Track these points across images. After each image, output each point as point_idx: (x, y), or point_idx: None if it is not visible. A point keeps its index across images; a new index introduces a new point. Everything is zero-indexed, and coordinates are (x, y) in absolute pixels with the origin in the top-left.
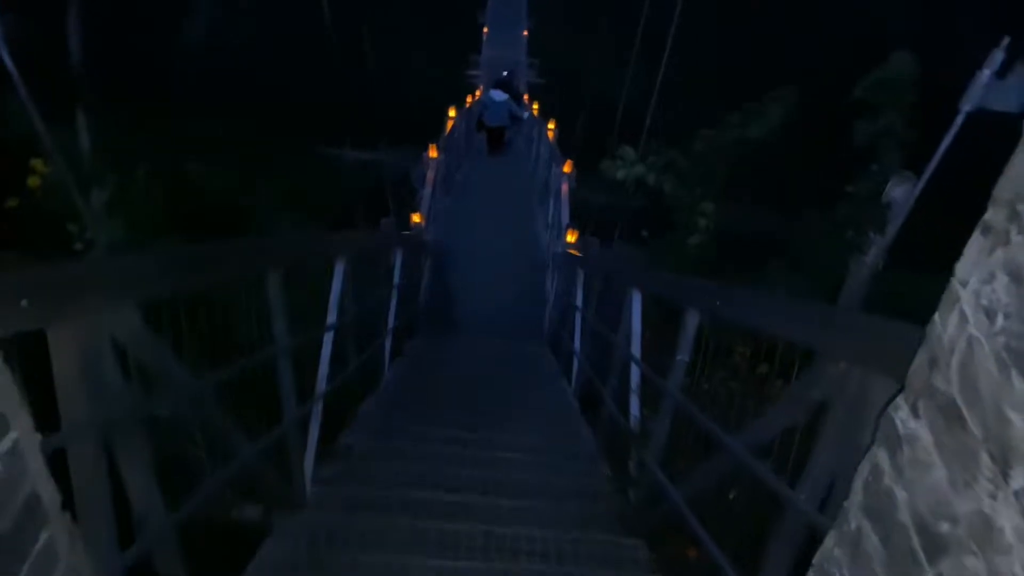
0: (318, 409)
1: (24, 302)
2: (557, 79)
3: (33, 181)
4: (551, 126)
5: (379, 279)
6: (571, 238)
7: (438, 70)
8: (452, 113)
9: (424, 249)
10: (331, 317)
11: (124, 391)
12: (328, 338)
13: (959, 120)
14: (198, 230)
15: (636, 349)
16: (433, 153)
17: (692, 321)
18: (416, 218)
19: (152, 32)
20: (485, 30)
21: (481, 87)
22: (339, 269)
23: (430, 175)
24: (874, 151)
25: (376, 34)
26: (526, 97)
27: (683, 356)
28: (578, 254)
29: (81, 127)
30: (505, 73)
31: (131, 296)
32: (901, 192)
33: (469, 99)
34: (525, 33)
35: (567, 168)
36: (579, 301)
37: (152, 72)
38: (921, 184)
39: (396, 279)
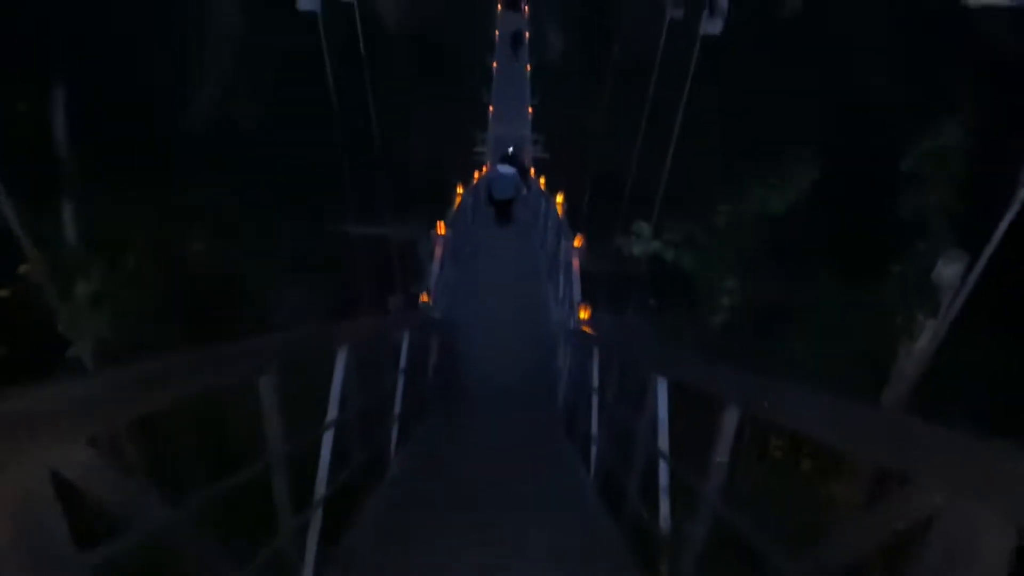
0: (317, 516)
1: None
2: (563, 153)
3: (26, 269)
4: (559, 200)
5: (384, 363)
6: (584, 314)
7: (446, 147)
8: (460, 190)
9: (432, 327)
10: (332, 413)
11: (73, 550)
12: (328, 436)
13: (1022, 194)
14: (195, 314)
15: (664, 443)
16: (441, 230)
17: (731, 418)
18: (424, 298)
19: (153, 101)
20: (491, 108)
21: (488, 163)
22: (340, 360)
23: (438, 251)
24: (921, 227)
25: (384, 112)
26: (532, 171)
27: (722, 457)
28: (591, 332)
29: (67, 217)
30: (511, 149)
31: (81, 430)
32: (952, 272)
33: (476, 175)
34: (530, 110)
35: (577, 243)
36: (595, 381)
37: (154, 140)
38: (981, 263)
39: (402, 363)
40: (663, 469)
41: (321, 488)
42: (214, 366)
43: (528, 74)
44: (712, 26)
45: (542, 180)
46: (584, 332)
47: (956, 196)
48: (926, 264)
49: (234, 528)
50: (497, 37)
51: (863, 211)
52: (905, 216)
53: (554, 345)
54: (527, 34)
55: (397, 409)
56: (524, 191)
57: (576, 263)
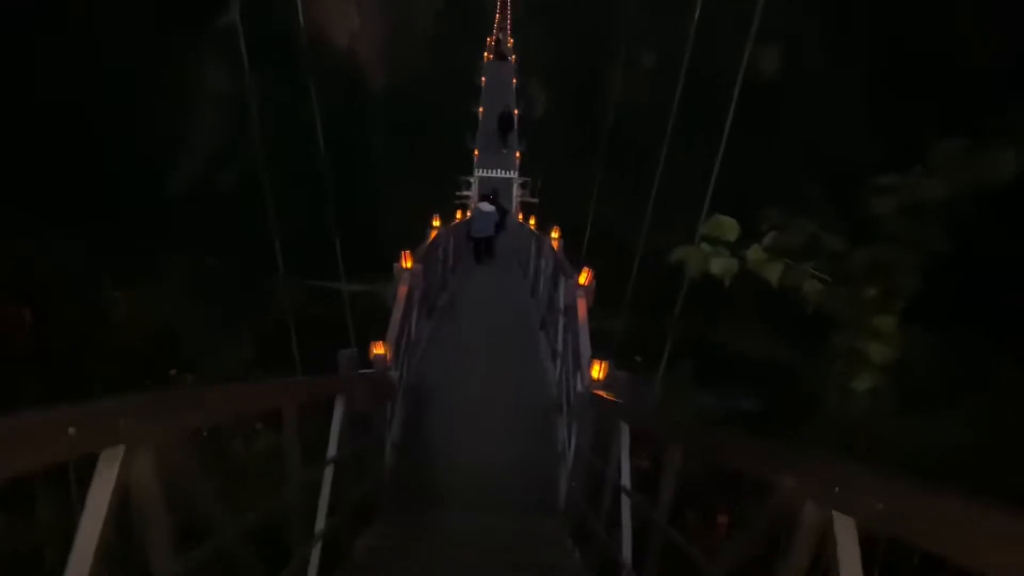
0: None
1: None
2: (553, 198)
3: None
4: (555, 235)
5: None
6: (597, 373)
7: (426, 195)
8: (436, 223)
9: (391, 391)
10: None
11: None
12: None
13: None
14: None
15: None
16: (407, 262)
17: None
18: (379, 348)
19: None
20: (476, 152)
21: (472, 207)
22: (97, 490)
23: (402, 291)
24: None
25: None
26: (520, 216)
27: None
28: (611, 397)
29: None
30: (493, 192)
31: None
32: None
33: (459, 215)
34: (517, 155)
35: (584, 279)
36: (625, 476)
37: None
38: None
39: (333, 449)
40: None
41: None
42: None
43: (515, 118)
44: None
45: (532, 221)
46: (600, 399)
47: None
48: None
49: None
50: (484, 83)
51: None
52: None
53: (554, 414)
54: (515, 114)
55: (320, 523)
56: (504, 224)
57: (583, 306)
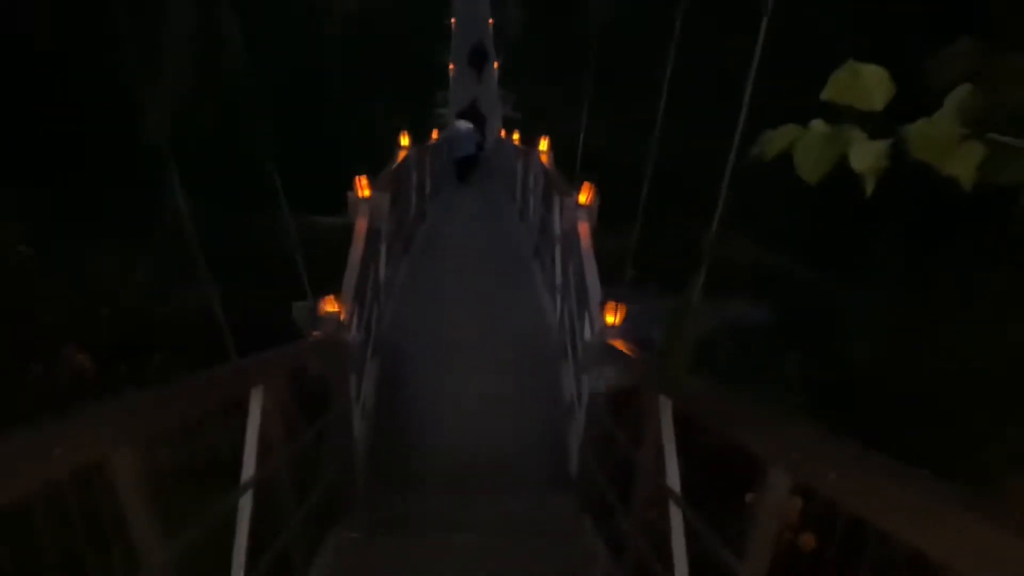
0: None
1: None
2: (537, 114)
3: None
4: (543, 147)
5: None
6: (612, 317)
7: (403, 113)
8: (404, 141)
9: (348, 357)
10: None
11: None
12: None
13: None
14: None
15: None
16: (364, 190)
17: None
18: (329, 305)
19: None
20: (451, 66)
21: (449, 124)
22: None
23: (360, 226)
24: None
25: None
26: (502, 132)
27: None
28: (634, 352)
29: None
30: (473, 101)
31: None
32: None
33: (435, 133)
34: (496, 65)
35: (585, 196)
36: (675, 477)
37: None
38: None
39: (247, 471)
40: None
41: None
42: None
43: (491, 29)
44: None
45: (516, 136)
46: (623, 356)
47: None
48: None
49: None
50: None
51: None
52: None
53: (555, 363)
54: (491, 28)
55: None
56: (484, 144)
57: (585, 230)
